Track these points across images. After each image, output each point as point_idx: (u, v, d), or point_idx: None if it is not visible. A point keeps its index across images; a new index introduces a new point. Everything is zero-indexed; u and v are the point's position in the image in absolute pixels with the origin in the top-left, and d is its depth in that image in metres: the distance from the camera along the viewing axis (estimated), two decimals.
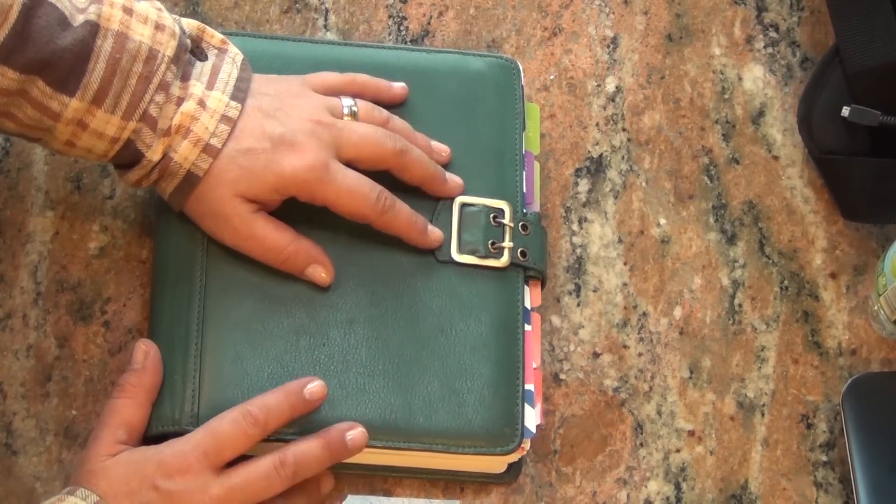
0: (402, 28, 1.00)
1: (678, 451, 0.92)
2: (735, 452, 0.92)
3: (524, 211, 0.92)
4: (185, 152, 0.83)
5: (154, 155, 0.83)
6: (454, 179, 0.91)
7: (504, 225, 0.90)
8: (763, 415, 0.93)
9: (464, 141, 0.92)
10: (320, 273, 0.87)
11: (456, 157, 0.92)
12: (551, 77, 1.00)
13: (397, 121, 0.90)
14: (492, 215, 0.90)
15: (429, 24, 1.00)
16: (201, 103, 0.83)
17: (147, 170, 0.84)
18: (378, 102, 0.91)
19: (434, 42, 1.00)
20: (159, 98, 0.82)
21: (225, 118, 0.84)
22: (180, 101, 0.83)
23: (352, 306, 0.87)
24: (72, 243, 0.92)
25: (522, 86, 0.95)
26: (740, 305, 0.96)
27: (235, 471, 0.80)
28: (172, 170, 0.84)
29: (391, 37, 0.99)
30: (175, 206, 0.86)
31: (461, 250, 0.89)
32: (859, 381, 0.92)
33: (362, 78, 0.92)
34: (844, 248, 0.98)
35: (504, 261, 0.90)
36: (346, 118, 0.88)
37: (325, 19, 1.00)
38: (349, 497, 0.88)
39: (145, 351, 0.84)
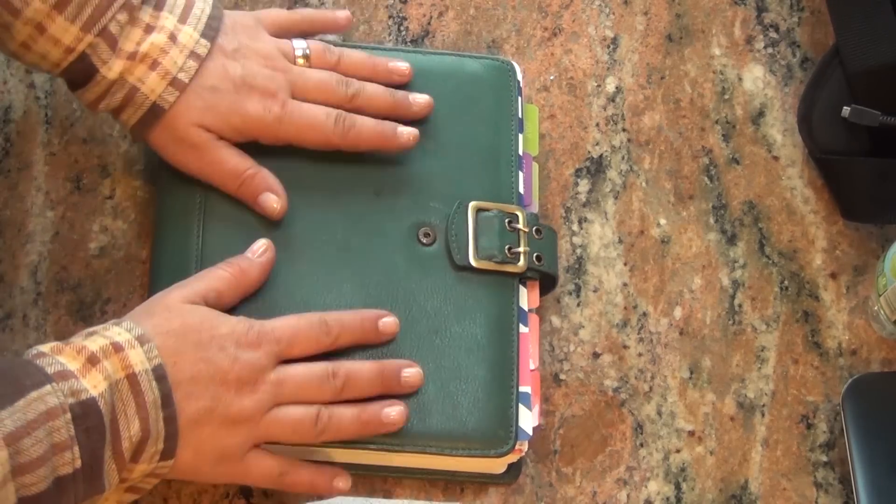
0: (402, 28, 1.00)
1: (678, 451, 0.92)
2: (735, 452, 0.92)
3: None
4: (152, 84, 0.84)
5: (109, 72, 0.84)
6: (418, 100, 0.91)
7: (519, 230, 0.90)
8: (763, 415, 0.93)
9: (460, 142, 0.92)
10: (272, 201, 0.88)
11: (452, 159, 0.92)
12: (551, 77, 1.00)
13: (350, 56, 0.92)
14: (506, 220, 0.90)
15: (429, 24, 1.00)
16: (172, 37, 0.85)
17: (102, 88, 0.84)
18: (328, 35, 0.93)
19: (434, 42, 1.00)
20: (121, 17, 0.83)
21: (194, 54, 0.85)
22: (150, 29, 0.84)
23: (346, 308, 0.87)
24: (72, 243, 0.92)
25: (521, 87, 0.95)
26: (740, 305, 0.96)
27: (293, 366, 0.82)
28: (138, 101, 0.84)
29: (391, 37, 1.00)
30: (136, 137, 0.87)
31: (478, 256, 0.89)
32: (859, 381, 0.92)
33: (310, 13, 0.94)
34: (844, 248, 0.98)
35: (521, 265, 0.90)
36: (299, 61, 0.89)
37: None
38: (342, 499, 0.87)
39: (265, 248, 0.86)
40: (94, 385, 0.73)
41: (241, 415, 0.80)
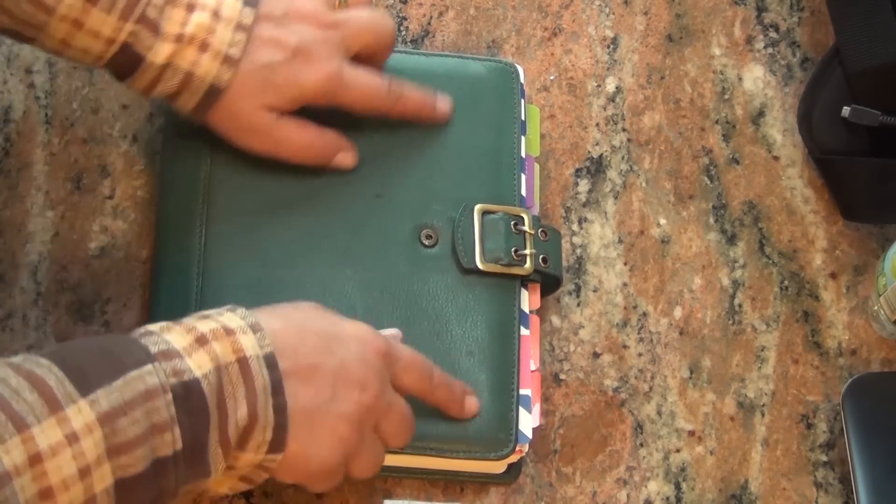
0: (402, 28, 1.00)
1: (678, 451, 0.92)
2: (735, 452, 0.92)
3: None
4: (206, 66, 0.83)
5: (156, 57, 0.82)
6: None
7: (525, 232, 0.90)
8: (763, 415, 0.93)
9: (461, 144, 0.92)
10: (346, 160, 0.90)
11: (454, 161, 0.92)
12: (551, 77, 1.00)
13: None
14: (512, 222, 0.90)
15: (429, 24, 1.00)
16: (216, 14, 0.83)
17: (152, 74, 0.83)
18: None
19: (434, 42, 1.00)
20: (158, 0, 0.82)
21: (241, 26, 0.84)
22: (191, 7, 0.83)
23: (347, 309, 0.86)
24: (72, 243, 0.92)
25: (523, 89, 0.95)
26: (740, 305, 0.96)
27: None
28: (195, 85, 0.83)
29: None
30: (197, 120, 0.86)
31: (485, 259, 0.89)
32: (859, 381, 0.92)
33: None
34: (844, 248, 0.98)
35: (528, 268, 0.89)
36: (339, 3, 0.89)
37: None
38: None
39: None
40: (198, 366, 0.71)
41: (355, 414, 0.78)
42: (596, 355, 0.94)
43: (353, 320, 0.81)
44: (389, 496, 0.89)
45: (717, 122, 1.00)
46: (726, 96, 1.01)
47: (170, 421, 0.69)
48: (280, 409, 0.74)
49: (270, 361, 0.74)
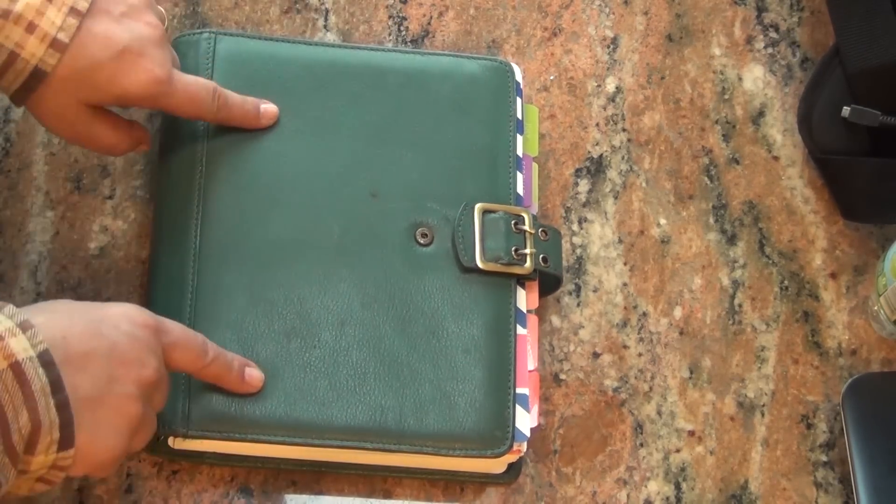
0: (402, 28, 1.00)
1: (678, 451, 0.92)
2: (735, 452, 0.92)
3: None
4: (32, 48, 0.79)
5: None
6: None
7: (525, 231, 0.90)
8: (763, 415, 0.93)
9: (457, 143, 0.92)
10: (143, 149, 0.90)
11: (449, 160, 0.92)
12: (551, 77, 1.00)
13: None
14: (513, 222, 0.90)
15: (429, 24, 1.00)
16: None
17: None
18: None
19: (434, 42, 1.00)
20: None
21: (73, 11, 0.80)
22: None
23: (343, 308, 0.87)
24: (72, 243, 0.92)
25: (521, 88, 0.95)
26: (740, 305, 0.96)
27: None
28: (18, 66, 0.80)
29: (391, 37, 1.00)
30: (17, 104, 0.83)
31: (485, 258, 0.89)
32: (859, 381, 0.92)
33: None
34: (844, 248, 0.98)
35: (528, 267, 0.90)
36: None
37: (326, 20, 1.00)
38: (342, 499, 0.87)
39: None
40: None
41: (137, 391, 0.76)
42: (596, 355, 0.94)
43: (118, 302, 0.79)
44: (389, 496, 0.88)
45: (717, 122, 1.00)
46: (726, 96, 1.01)
47: None
48: (62, 406, 0.72)
49: (45, 359, 0.71)
